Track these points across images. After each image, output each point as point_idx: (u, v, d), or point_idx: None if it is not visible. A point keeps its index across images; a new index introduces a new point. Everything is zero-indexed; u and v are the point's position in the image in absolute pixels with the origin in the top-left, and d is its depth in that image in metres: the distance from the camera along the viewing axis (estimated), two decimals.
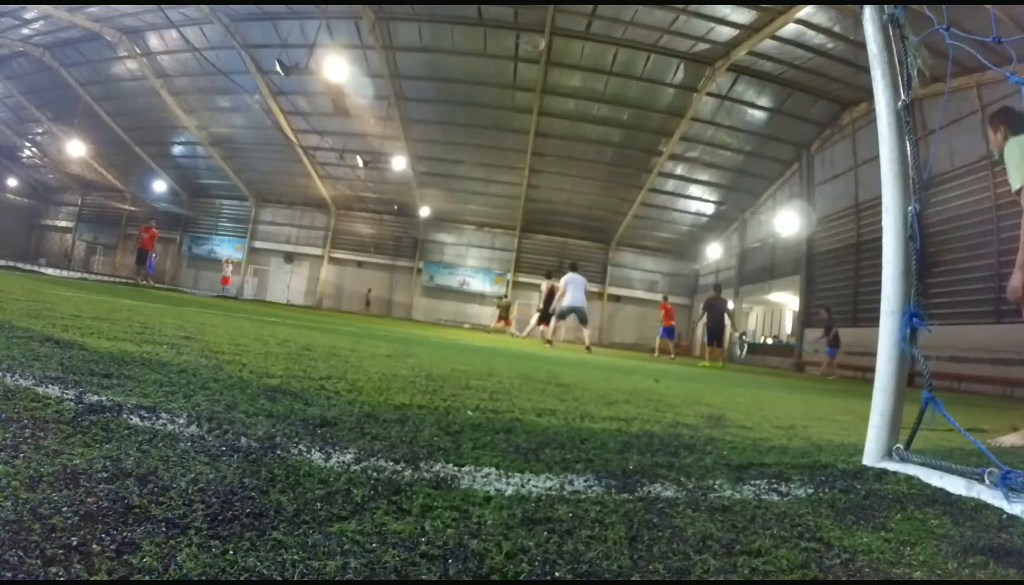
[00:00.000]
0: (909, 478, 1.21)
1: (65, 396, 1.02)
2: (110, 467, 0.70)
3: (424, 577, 0.55)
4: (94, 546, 0.51)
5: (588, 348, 9.58)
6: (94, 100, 21.88)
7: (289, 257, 28.04)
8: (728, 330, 11.10)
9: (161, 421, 0.97)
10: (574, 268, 10.37)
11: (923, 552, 0.77)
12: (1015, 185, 2.43)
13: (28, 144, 27.25)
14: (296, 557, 0.54)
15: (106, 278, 17.36)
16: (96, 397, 1.05)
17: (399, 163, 20.39)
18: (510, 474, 0.95)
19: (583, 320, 9.98)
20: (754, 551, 0.71)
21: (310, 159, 23.21)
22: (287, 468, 0.81)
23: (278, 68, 15.61)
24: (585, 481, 0.97)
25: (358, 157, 20.44)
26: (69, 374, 1.22)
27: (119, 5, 16.18)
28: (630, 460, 1.16)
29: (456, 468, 0.95)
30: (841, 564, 0.70)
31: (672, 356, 13.20)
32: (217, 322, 3.75)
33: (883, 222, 1.40)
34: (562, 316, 10.03)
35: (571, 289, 9.78)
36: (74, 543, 0.51)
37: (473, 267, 27.23)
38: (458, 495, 0.80)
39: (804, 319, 17.65)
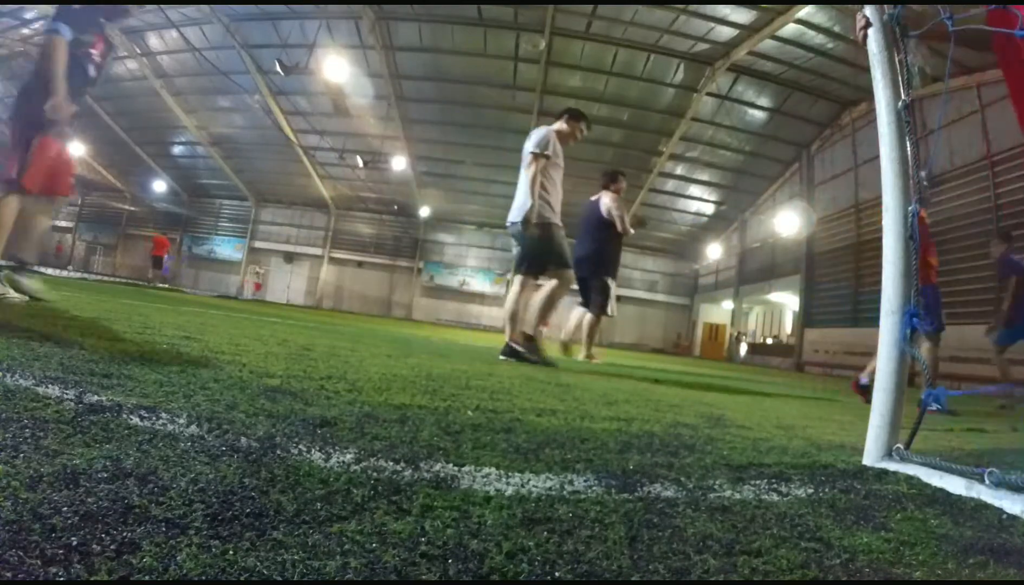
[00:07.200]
0: (909, 478, 1.21)
1: (65, 396, 1.02)
2: (110, 467, 0.70)
3: (424, 577, 0.55)
4: (94, 546, 0.51)
5: None
6: (94, 100, 21.87)
7: (289, 257, 28.04)
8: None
9: (161, 421, 0.97)
10: None
11: (923, 552, 0.77)
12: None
13: None
14: (296, 557, 0.54)
15: (106, 278, 17.38)
16: (96, 397, 1.05)
17: (399, 163, 20.38)
18: (510, 474, 0.95)
19: None
20: (754, 551, 0.71)
21: (310, 159, 23.21)
22: (287, 468, 0.81)
23: (278, 68, 15.62)
24: (585, 481, 0.97)
25: (358, 157, 20.45)
26: (69, 374, 1.22)
27: (119, 5, 16.17)
28: (630, 460, 1.16)
29: (456, 468, 0.95)
30: (841, 564, 0.70)
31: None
32: (217, 322, 3.75)
33: (883, 222, 1.40)
34: None
35: None
36: (74, 543, 0.51)
37: (473, 267, 27.23)
38: (458, 495, 0.80)
39: (804, 319, 17.64)
